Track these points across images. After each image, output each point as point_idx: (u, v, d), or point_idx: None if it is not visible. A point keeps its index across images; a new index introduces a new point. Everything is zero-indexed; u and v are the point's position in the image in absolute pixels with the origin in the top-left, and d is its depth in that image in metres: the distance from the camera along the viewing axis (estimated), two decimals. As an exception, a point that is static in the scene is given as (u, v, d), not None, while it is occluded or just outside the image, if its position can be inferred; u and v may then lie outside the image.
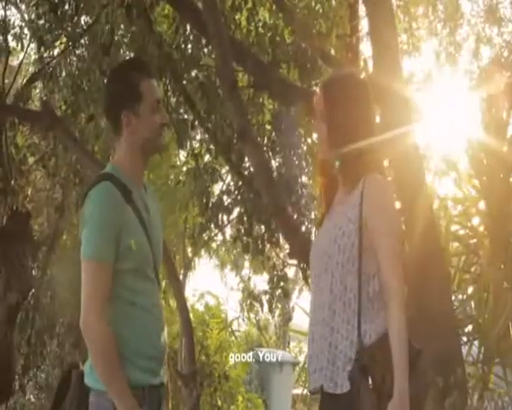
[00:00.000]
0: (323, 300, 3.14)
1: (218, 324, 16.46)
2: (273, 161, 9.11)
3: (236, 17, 8.00)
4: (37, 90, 13.37)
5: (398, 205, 6.30)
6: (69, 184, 10.77)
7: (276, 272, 9.21)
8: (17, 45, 11.58)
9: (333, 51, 7.52)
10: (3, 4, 10.46)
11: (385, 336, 2.98)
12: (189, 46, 8.29)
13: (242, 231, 8.61)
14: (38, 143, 11.91)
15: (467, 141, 8.27)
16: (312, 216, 9.07)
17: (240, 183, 8.71)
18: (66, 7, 8.51)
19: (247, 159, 7.95)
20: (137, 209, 3.21)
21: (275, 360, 18.90)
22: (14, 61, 14.09)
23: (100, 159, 8.87)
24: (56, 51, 10.09)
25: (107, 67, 8.11)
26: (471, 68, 10.72)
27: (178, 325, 14.11)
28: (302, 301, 20.99)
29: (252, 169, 7.81)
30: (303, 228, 8.86)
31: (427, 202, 5.62)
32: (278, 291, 9.20)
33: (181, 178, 11.32)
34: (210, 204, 8.86)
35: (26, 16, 11.86)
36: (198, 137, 10.08)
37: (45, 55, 9.90)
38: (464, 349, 6.59)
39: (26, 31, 11.02)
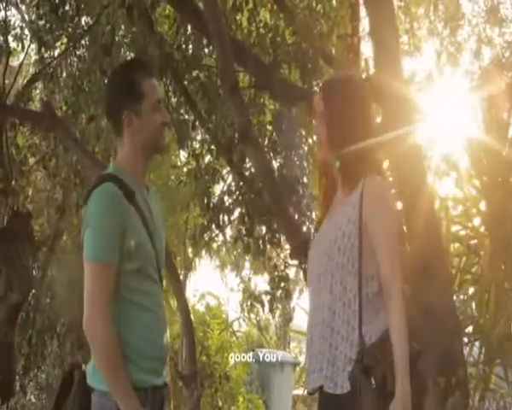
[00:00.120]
0: (323, 300, 3.15)
1: (219, 324, 16.46)
2: (274, 162, 9.11)
3: (237, 17, 7.99)
4: (38, 91, 13.38)
5: (399, 205, 6.32)
6: (70, 184, 10.77)
7: (276, 273, 9.21)
8: (17, 46, 11.60)
9: (334, 51, 7.51)
10: (4, 5, 10.47)
11: (385, 337, 2.99)
12: (190, 46, 8.29)
13: (243, 231, 8.60)
14: (39, 144, 11.92)
15: (467, 141, 8.28)
16: (313, 216, 9.07)
17: (241, 183, 8.70)
18: (67, 7, 8.50)
19: (248, 159, 7.95)
20: (140, 210, 3.20)
21: (275, 360, 18.89)
22: (14, 62, 14.10)
23: (100, 159, 8.86)
24: (57, 52, 10.09)
25: (107, 67, 8.11)
26: (472, 69, 10.73)
27: (179, 326, 14.13)
28: (303, 302, 20.96)
29: (253, 169, 7.81)
30: (304, 228, 8.86)
31: (428, 202, 5.61)
32: (279, 292, 9.20)
33: (182, 178, 11.30)
34: (211, 205, 8.85)
35: (26, 17, 11.86)
36: (199, 137, 10.08)
37: (46, 55, 9.90)
38: (465, 350, 6.59)
39: (26, 31, 11.05)
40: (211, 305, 17.47)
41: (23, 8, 11.89)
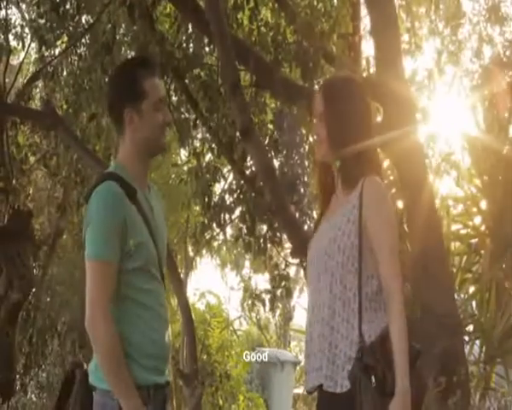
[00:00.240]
0: (323, 299, 3.16)
1: (220, 323, 16.45)
2: (275, 160, 9.11)
3: (238, 16, 7.98)
4: (38, 90, 13.38)
5: (400, 204, 6.33)
6: (70, 183, 10.75)
7: (277, 272, 9.20)
8: (18, 44, 11.61)
9: (335, 50, 7.50)
10: (4, 4, 10.46)
11: (385, 335, 2.99)
12: (191, 45, 8.27)
13: (244, 230, 8.59)
14: (40, 143, 11.93)
15: (468, 140, 8.29)
16: (314, 215, 9.06)
17: (242, 182, 8.69)
18: (68, 6, 8.49)
19: (249, 158, 7.94)
20: (141, 209, 3.20)
21: (276, 359, 18.89)
22: (14, 61, 14.11)
23: (101, 158, 8.85)
24: (57, 50, 10.08)
25: (108, 66, 8.10)
26: (473, 68, 10.73)
27: (179, 324, 14.13)
28: (303, 301, 20.95)
29: (254, 168, 7.81)
30: (305, 227, 8.86)
31: (429, 200, 5.62)
32: (279, 290, 9.19)
33: (182, 177, 11.29)
34: (212, 203, 8.84)
35: (26, 15, 11.86)
36: (199, 136, 10.07)
37: (46, 54, 9.89)
38: (466, 349, 6.60)
39: (26, 30, 11.05)
40: (211, 304, 17.45)
41: (23, 6, 11.89)
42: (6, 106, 10.82)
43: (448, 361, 5.20)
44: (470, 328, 7.54)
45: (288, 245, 8.93)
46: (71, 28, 8.96)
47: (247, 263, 22.60)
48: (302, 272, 14.88)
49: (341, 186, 3.29)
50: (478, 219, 8.20)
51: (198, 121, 8.57)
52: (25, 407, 12.83)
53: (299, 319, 24.27)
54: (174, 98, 8.70)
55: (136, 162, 3.29)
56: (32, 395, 13.87)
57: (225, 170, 10.37)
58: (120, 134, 3.32)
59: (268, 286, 9.65)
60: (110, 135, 9.07)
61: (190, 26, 8.19)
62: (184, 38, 8.35)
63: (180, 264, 16.46)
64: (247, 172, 8.46)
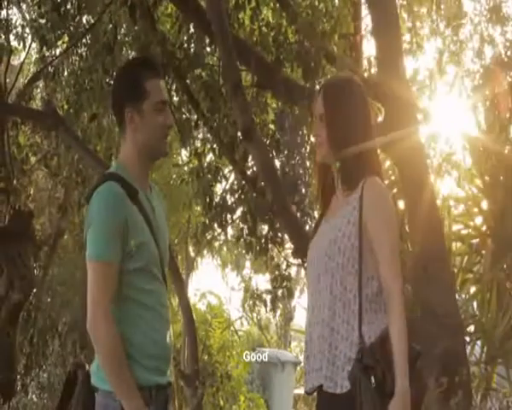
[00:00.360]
0: (323, 300, 3.16)
1: (221, 323, 16.45)
2: (276, 161, 9.11)
3: (240, 16, 7.98)
4: (39, 90, 13.39)
5: (401, 204, 6.32)
6: (71, 183, 10.76)
7: (278, 272, 9.20)
8: (19, 45, 11.60)
9: (336, 51, 7.50)
10: (5, 4, 10.46)
11: (385, 336, 3.00)
12: (193, 45, 8.26)
13: (246, 230, 8.59)
14: (40, 143, 11.94)
15: (469, 140, 8.28)
16: (316, 215, 9.06)
17: (243, 182, 8.69)
18: (69, 6, 8.49)
19: (250, 158, 7.94)
20: (143, 209, 3.19)
21: (276, 359, 18.89)
22: (15, 61, 14.12)
23: (102, 158, 8.85)
24: (58, 51, 10.07)
25: (109, 66, 8.10)
26: (474, 68, 10.72)
27: (180, 325, 14.12)
28: (303, 301, 20.93)
29: (255, 168, 7.81)
30: (306, 227, 8.86)
31: (430, 201, 5.61)
32: (280, 291, 9.18)
33: (184, 177, 11.28)
34: (213, 204, 8.84)
35: (27, 16, 11.85)
36: (201, 136, 10.07)
37: (47, 54, 9.88)
38: (467, 349, 6.59)
39: (27, 30, 11.05)
40: (212, 304, 17.45)
41: (24, 6, 11.88)
42: (7, 106, 10.83)
43: (449, 362, 5.19)
44: (471, 328, 7.54)
45: (289, 245, 8.94)
46: (72, 28, 8.95)
47: (248, 263, 22.63)
48: (303, 272, 14.87)
49: (341, 187, 3.29)
50: (479, 220, 8.20)
51: (199, 121, 8.58)
52: (26, 408, 12.86)
53: (300, 319, 24.28)
54: (175, 98, 8.70)
55: (138, 163, 3.28)
56: (33, 396, 13.89)
57: (226, 170, 10.36)
58: (122, 134, 3.32)
59: (269, 286, 9.66)
60: (111, 135, 9.08)
61: (192, 27, 8.19)
62: (186, 38, 8.34)
63: (181, 264, 16.46)
64: (249, 172, 8.46)
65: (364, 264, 3.11)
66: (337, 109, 3.27)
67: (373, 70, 7.86)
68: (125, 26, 8.84)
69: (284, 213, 6.00)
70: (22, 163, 11.41)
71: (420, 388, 3.07)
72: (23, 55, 13.83)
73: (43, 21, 8.93)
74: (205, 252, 18.77)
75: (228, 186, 9.54)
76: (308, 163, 9.55)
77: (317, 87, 6.86)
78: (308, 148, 9.42)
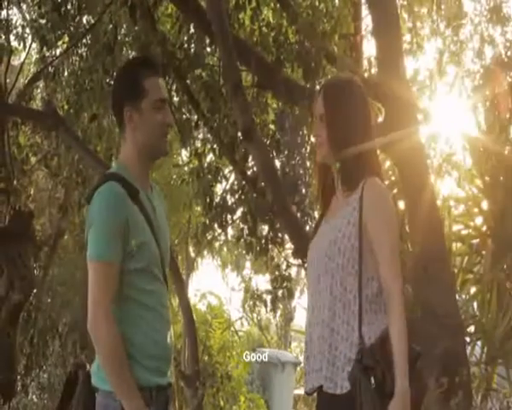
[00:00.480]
0: (323, 301, 3.16)
1: (221, 324, 16.44)
2: (277, 161, 9.10)
3: (240, 16, 7.98)
4: (39, 90, 13.39)
5: (401, 204, 6.32)
6: (71, 183, 10.75)
7: (278, 273, 9.19)
8: (19, 45, 11.59)
9: (336, 51, 7.50)
10: (5, 4, 10.46)
11: (385, 337, 3.00)
12: (193, 45, 8.26)
13: (246, 230, 8.59)
14: (41, 143, 11.94)
15: (469, 141, 8.28)
16: (316, 215, 9.06)
17: (243, 182, 8.68)
18: (69, 6, 8.49)
19: (250, 158, 7.94)
20: (144, 209, 3.19)
21: (276, 360, 18.88)
22: (15, 61, 14.12)
23: (102, 159, 8.85)
24: (59, 51, 10.07)
25: (110, 66, 8.10)
26: (474, 68, 10.72)
27: (181, 325, 14.11)
28: (304, 301, 20.92)
29: (256, 168, 7.80)
30: (307, 227, 8.86)
31: (430, 201, 5.61)
32: (281, 291, 9.18)
33: (184, 177, 11.27)
34: (213, 204, 8.84)
35: (27, 16, 11.85)
36: (201, 136, 10.06)
37: (47, 54, 9.88)
38: (467, 350, 6.59)
39: (27, 30, 11.05)
40: (213, 304, 17.44)
41: (24, 7, 11.88)
42: (7, 106, 10.82)
43: (449, 362, 5.19)
44: (471, 329, 7.53)
45: (289, 246, 8.94)
46: (72, 28, 8.95)
47: (248, 264, 22.62)
48: (303, 272, 14.86)
49: (341, 188, 3.29)
50: (479, 220, 8.20)
51: (199, 122, 8.57)
52: (26, 408, 12.85)
53: (300, 319, 24.25)
54: (176, 99, 8.70)
55: (138, 162, 3.28)
56: (33, 396, 13.88)
57: (227, 170, 10.36)
58: (122, 132, 3.32)
59: (269, 287, 9.66)
60: (111, 135, 9.08)
61: (192, 27, 8.18)
62: (186, 38, 8.34)
63: (181, 265, 16.46)
64: (249, 172, 8.46)
65: (364, 265, 3.11)
66: (337, 109, 3.27)
67: (373, 70, 7.86)
68: (125, 26, 8.84)
69: (284, 213, 6.00)
70: (22, 163, 11.41)
71: (420, 388, 3.08)
72: (23, 55, 13.84)
73: (43, 21, 8.93)
74: (205, 252, 18.76)
75: (228, 186, 9.54)
76: (308, 163, 9.54)
77: (318, 87, 6.86)
78: (308, 148, 9.41)
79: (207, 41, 8.07)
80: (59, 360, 14.16)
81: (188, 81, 8.35)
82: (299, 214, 9.03)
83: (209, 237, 13.56)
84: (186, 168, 12.75)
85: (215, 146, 8.83)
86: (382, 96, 5.76)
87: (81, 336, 13.11)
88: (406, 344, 2.98)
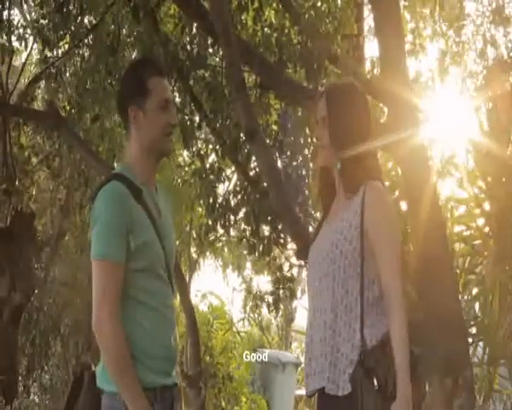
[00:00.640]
0: (324, 303, 3.18)
1: (223, 324, 16.43)
2: (279, 162, 9.09)
3: (242, 17, 7.98)
4: (41, 91, 13.39)
5: (403, 206, 6.32)
6: (73, 184, 10.78)
7: (279, 273, 9.19)
8: (21, 45, 11.59)
9: (339, 51, 7.50)
10: (7, 4, 10.45)
11: (386, 339, 3.03)
12: (196, 46, 8.27)
13: (248, 231, 8.59)
14: (42, 144, 11.95)
15: (471, 141, 8.27)
16: (319, 216, 9.04)
17: (246, 183, 8.68)
18: (71, 7, 8.48)
19: (253, 159, 7.94)
20: (148, 209, 3.19)
21: (277, 360, 18.88)
22: (17, 62, 14.11)
23: (104, 159, 8.86)
24: (60, 51, 10.07)
25: (112, 67, 8.11)
26: (477, 69, 10.74)
27: (183, 326, 14.11)
28: (305, 302, 20.92)
29: (258, 169, 7.80)
30: (310, 228, 8.85)
31: (432, 202, 5.61)
32: (283, 292, 9.18)
33: (186, 178, 11.28)
34: (216, 205, 8.83)
35: (29, 16, 11.86)
36: (203, 137, 10.07)
37: (49, 55, 9.88)
38: (469, 350, 6.59)
39: (29, 31, 11.04)
40: (214, 305, 17.43)
41: (26, 7, 11.89)
42: (9, 107, 10.81)
43: (452, 363, 5.19)
44: (473, 330, 7.53)
45: (290, 246, 8.93)
46: (74, 29, 8.95)
47: (249, 264, 22.62)
48: (304, 273, 14.85)
49: (343, 190, 3.32)
50: (481, 221, 8.18)
51: (202, 122, 8.56)
52: (27, 409, 12.85)
53: (301, 320, 24.27)
54: (178, 99, 8.70)
55: (143, 162, 3.30)
56: (35, 397, 13.88)
57: (229, 171, 10.36)
58: (127, 132, 3.34)
59: (270, 287, 9.66)
60: (113, 136, 9.09)
61: (194, 27, 8.19)
62: (188, 38, 8.35)
63: (183, 265, 16.45)
64: (252, 173, 8.46)
65: (366, 267, 3.14)
66: (339, 113, 3.31)
67: (376, 71, 7.86)
68: (127, 26, 8.84)
69: (287, 214, 5.99)
70: (24, 164, 11.41)
71: (419, 390, 3.09)
72: (25, 55, 13.84)
73: (45, 22, 8.94)
74: (207, 253, 18.77)
75: (231, 187, 9.52)
76: (311, 164, 9.53)
77: (320, 88, 6.87)
78: (311, 149, 9.40)
79: (210, 42, 8.06)
80: (61, 360, 14.16)
81: (190, 82, 8.35)
82: (301, 215, 9.01)
83: (211, 238, 13.57)
84: (188, 169, 12.74)
85: (218, 147, 8.83)
86: (385, 97, 5.76)
87: (83, 337, 13.12)
88: (407, 347, 3.00)
